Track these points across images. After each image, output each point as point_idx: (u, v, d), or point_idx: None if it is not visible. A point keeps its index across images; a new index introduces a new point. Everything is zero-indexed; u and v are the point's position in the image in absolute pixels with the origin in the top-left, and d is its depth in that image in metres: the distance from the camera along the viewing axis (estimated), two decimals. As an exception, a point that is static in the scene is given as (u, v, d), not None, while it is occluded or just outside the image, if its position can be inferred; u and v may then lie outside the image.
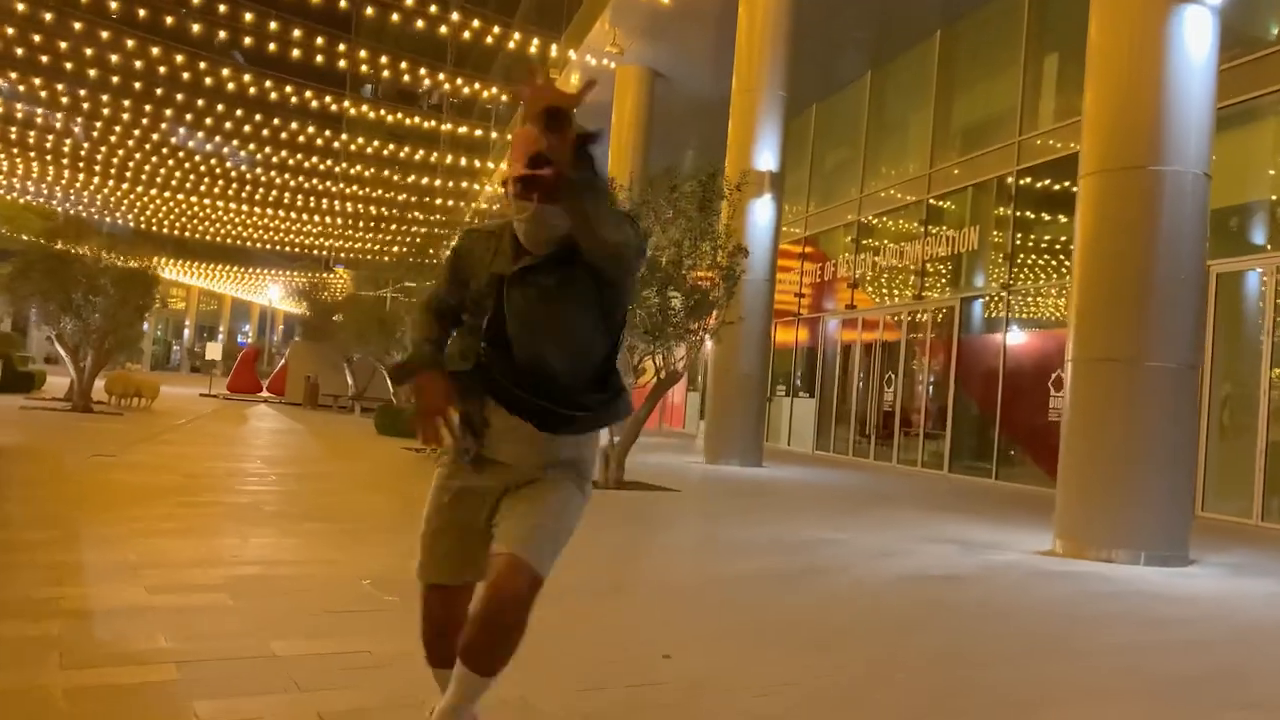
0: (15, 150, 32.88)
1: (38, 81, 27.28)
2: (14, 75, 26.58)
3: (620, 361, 9.19)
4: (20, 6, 21.59)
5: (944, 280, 17.33)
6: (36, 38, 24.10)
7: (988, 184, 16.32)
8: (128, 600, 4.16)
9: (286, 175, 35.34)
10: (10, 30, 23.84)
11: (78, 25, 23.31)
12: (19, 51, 24.74)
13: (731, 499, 10.73)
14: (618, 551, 6.62)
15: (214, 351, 39.37)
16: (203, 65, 25.53)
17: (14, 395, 19.22)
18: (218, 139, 33.25)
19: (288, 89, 26.99)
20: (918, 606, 5.39)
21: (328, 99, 27.60)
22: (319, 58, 23.84)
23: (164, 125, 31.95)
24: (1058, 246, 14.92)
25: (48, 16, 22.90)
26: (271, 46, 22.97)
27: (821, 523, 8.88)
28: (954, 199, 17.41)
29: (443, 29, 22.80)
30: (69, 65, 26.12)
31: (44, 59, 25.52)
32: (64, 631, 3.59)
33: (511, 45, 22.23)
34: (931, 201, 17.74)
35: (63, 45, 24.32)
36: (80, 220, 20.57)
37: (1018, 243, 15.46)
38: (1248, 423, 11.22)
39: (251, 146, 32.79)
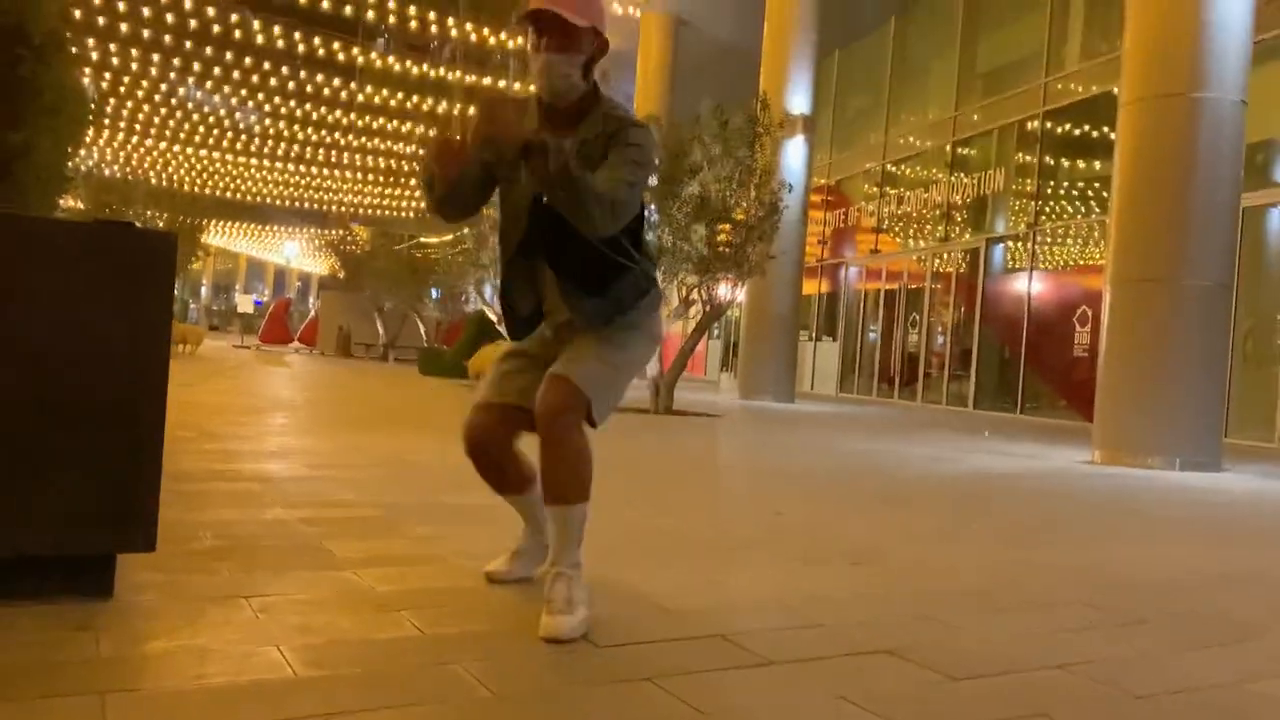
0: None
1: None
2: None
3: (669, 291, 9.41)
4: None
5: (968, 223, 17.72)
6: None
7: (1011, 127, 16.64)
8: (297, 473, 4.68)
9: (297, 127, 35.26)
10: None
11: None
12: None
13: (776, 423, 11.25)
14: (702, 450, 7.14)
15: (245, 304, 40.22)
16: (210, 12, 25.61)
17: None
18: (227, 90, 33.14)
19: (296, 35, 26.84)
20: (979, 488, 5.91)
21: (336, 46, 27.43)
22: (328, 3, 23.89)
23: (172, 76, 31.90)
24: (1082, 186, 15.30)
25: None
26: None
27: (869, 438, 9.41)
28: (978, 143, 17.74)
29: None
30: (75, 12, 26.23)
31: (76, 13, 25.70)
32: (263, 489, 4.11)
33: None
34: (955, 145, 18.07)
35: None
36: (127, 180, 20.81)
37: (1042, 185, 15.83)
38: (1270, 353, 11.72)
39: (260, 97, 32.67)
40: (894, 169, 20.28)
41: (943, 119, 18.54)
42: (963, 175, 17.83)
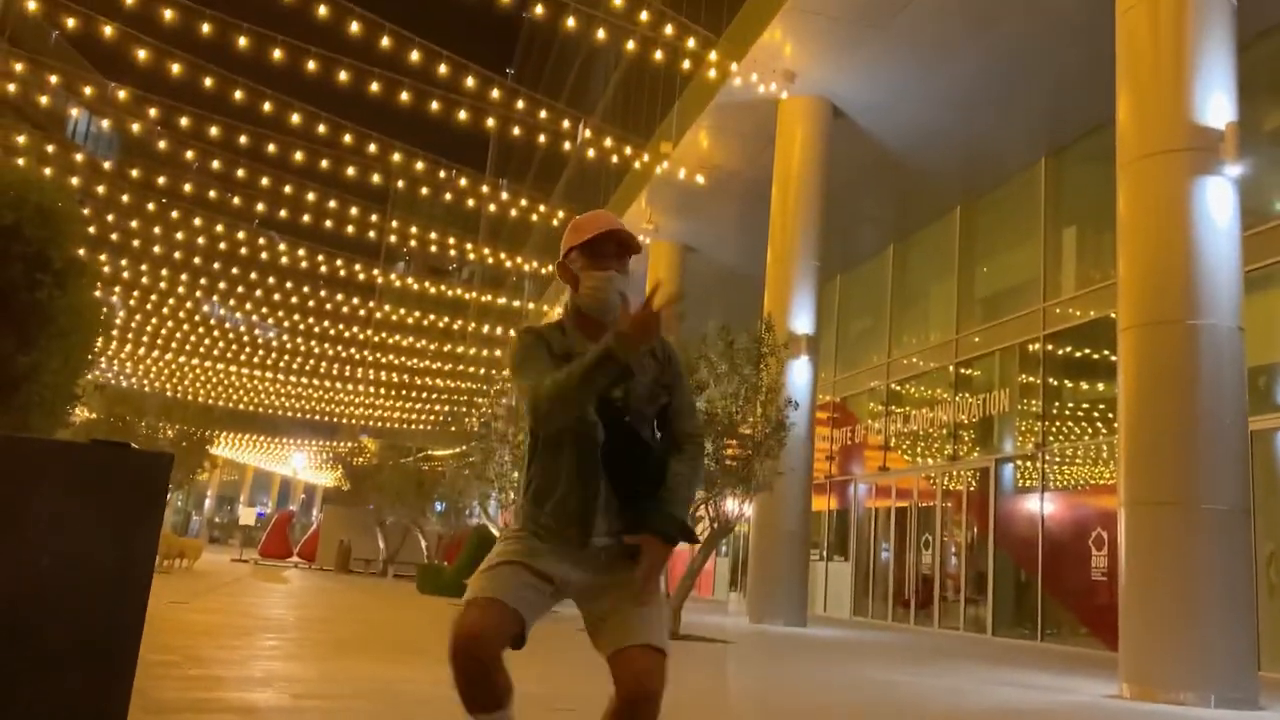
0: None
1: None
2: None
3: None
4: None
5: (976, 442, 17.73)
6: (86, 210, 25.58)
7: (1013, 349, 16.96)
8: (279, 703, 4.43)
9: (313, 342, 36.32)
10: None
11: (125, 198, 24.84)
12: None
13: (788, 650, 10.80)
14: (710, 686, 6.79)
15: (248, 516, 39.80)
16: (241, 234, 26.86)
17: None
18: (249, 307, 34.35)
19: (319, 257, 28.05)
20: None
21: (357, 267, 28.54)
22: (354, 229, 24.76)
23: (198, 295, 33.20)
24: (1088, 407, 15.40)
25: (124, 198, 24.42)
26: (306, 218, 23.91)
27: (888, 668, 8.99)
28: (981, 364, 18.04)
29: (492, 207, 24.05)
30: (113, 237, 27.49)
31: (113, 236, 27.00)
32: (243, 721, 3.88)
33: (554, 223, 23.51)
34: (959, 366, 18.37)
35: (133, 224, 25.79)
36: (142, 392, 21.42)
37: (1047, 406, 15.94)
38: (1295, 578, 11.36)
39: (280, 314, 33.75)
40: (898, 388, 20.54)
41: (945, 340, 18.95)
42: (968, 395, 18.01)
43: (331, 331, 34.44)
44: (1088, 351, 15.61)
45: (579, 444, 2.47)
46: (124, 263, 28.80)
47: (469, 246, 26.74)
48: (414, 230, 25.78)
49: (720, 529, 11.43)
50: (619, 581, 2.44)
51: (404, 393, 40.17)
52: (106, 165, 29.44)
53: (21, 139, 22.61)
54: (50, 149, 23.77)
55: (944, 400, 18.68)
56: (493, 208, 24.21)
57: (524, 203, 22.42)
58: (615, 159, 20.25)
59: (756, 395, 11.00)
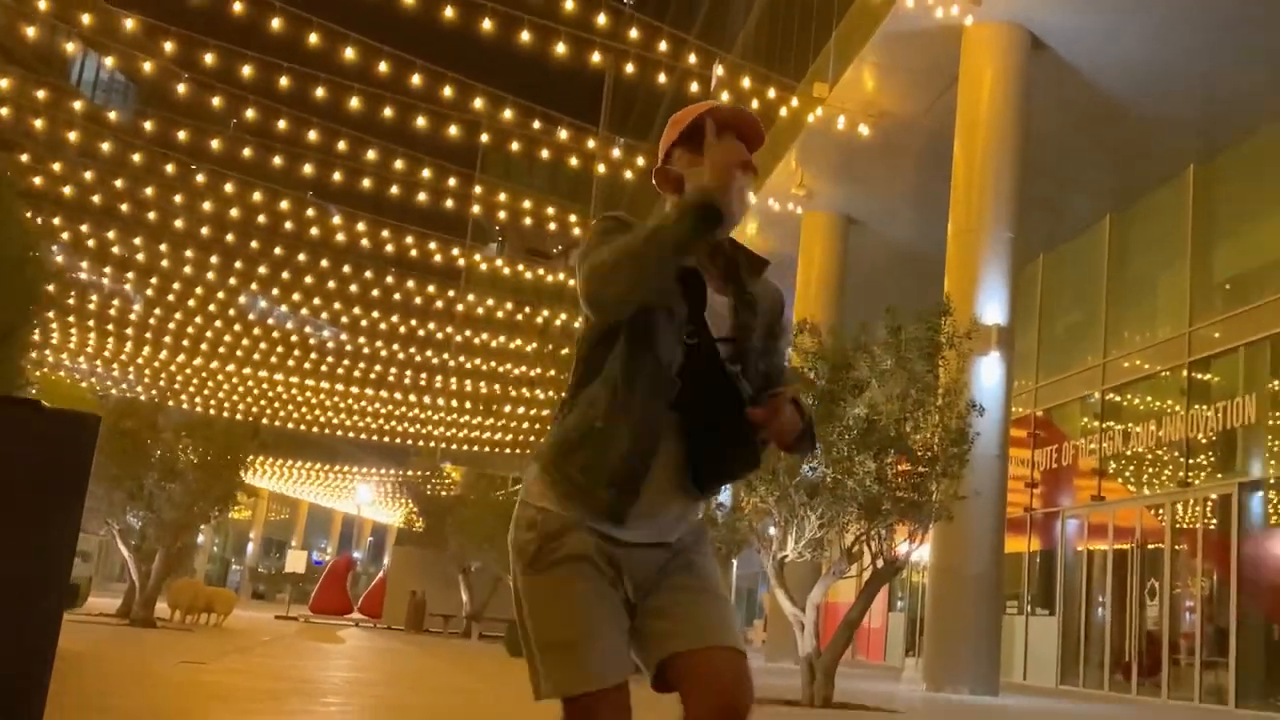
0: (70, 319, 33.08)
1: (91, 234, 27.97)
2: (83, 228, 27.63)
3: (828, 539, 9.36)
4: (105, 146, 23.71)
5: (1215, 465, 17.57)
6: (118, 183, 25.74)
7: (1262, 345, 16.72)
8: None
9: (379, 343, 35.55)
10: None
11: (137, 157, 24.51)
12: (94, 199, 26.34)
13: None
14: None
15: (296, 562, 40.53)
16: (284, 204, 25.89)
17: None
18: (297, 298, 33.66)
19: (384, 233, 27.14)
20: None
21: (432, 246, 27.69)
22: (430, 198, 24.04)
23: (231, 282, 32.24)
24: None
25: (136, 158, 24.49)
26: (367, 183, 23.29)
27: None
28: (1222, 364, 17.83)
29: (601, 168, 24.13)
30: (151, 215, 27.16)
31: (123, 207, 27.04)
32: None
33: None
34: (1193, 369, 18.19)
35: (148, 191, 25.73)
36: (157, 404, 21.52)
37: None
38: None
39: (336, 306, 33.14)
40: (1116, 397, 20.45)
41: (1176, 335, 18.79)
42: (1204, 405, 17.85)
43: (403, 330, 33.72)
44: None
45: (646, 369, 2.38)
46: (137, 241, 28.37)
47: (573, 219, 26.79)
48: (504, 198, 25.63)
49: (885, 569, 11.54)
50: (680, 565, 2.46)
51: (495, 407, 39.47)
52: (112, 116, 29.35)
53: (3, 82, 22.21)
54: (41, 95, 23.67)
55: (1174, 412, 18.56)
56: (602, 169, 24.20)
57: (641, 161, 22.14)
58: (756, 104, 19.40)
59: (931, 397, 11.17)
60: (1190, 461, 18.05)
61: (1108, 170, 20.05)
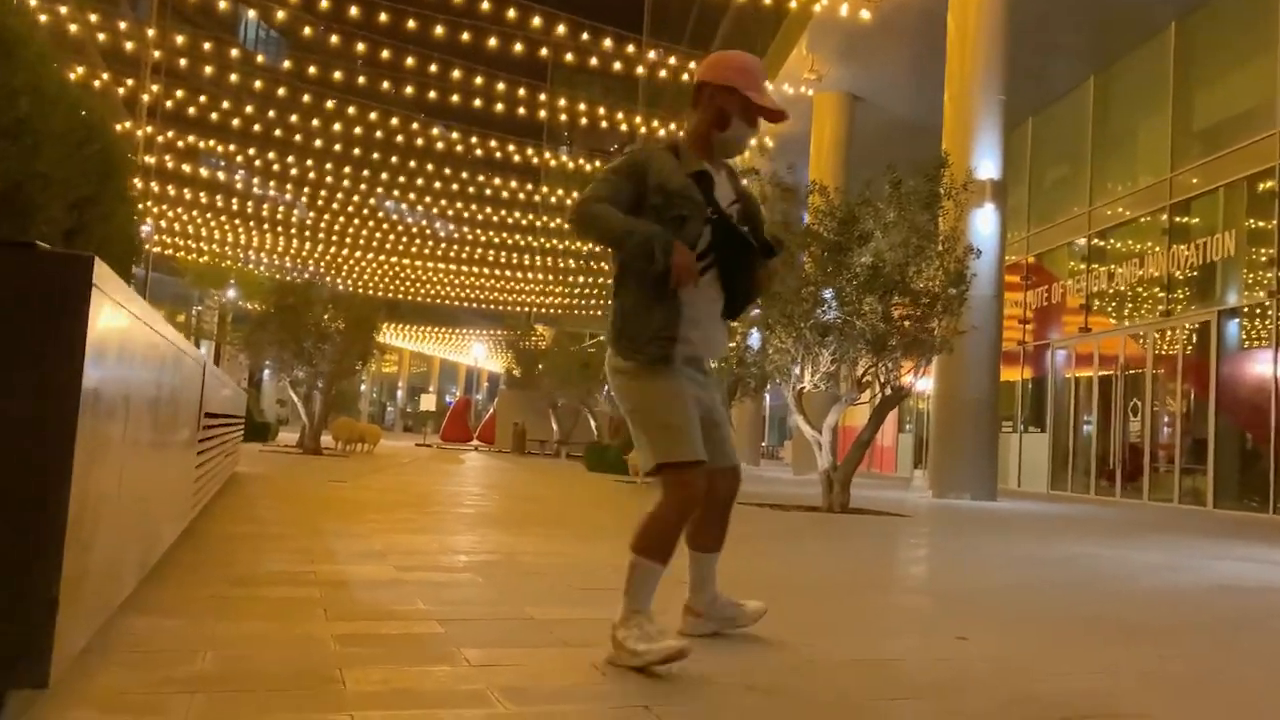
0: (252, 224, 35.82)
1: (258, 154, 29.28)
2: (250, 152, 28.84)
3: (842, 374, 8.65)
4: (258, 84, 23.74)
5: (1194, 297, 15.87)
6: (271, 113, 26.25)
7: (1239, 185, 14.88)
8: (379, 576, 4.12)
9: (478, 231, 36.60)
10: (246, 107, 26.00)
11: (306, 97, 25.28)
12: (256, 127, 26.98)
13: (972, 524, 9.97)
14: (877, 557, 6.16)
15: (428, 403, 41.83)
16: (394, 121, 26.72)
17: (252, 444, 20.68)
18: (413, 198, 34.77)
19: (473, 139, 27.71)
20: (1226, 611, 4.65)
21: (511, 147, 28.08)
22: (507, 107, 24.13)
23: (377, 189, 33.81)
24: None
25: (280, 91, 24.85)
26: (455, 98, 23.62)
27: (1087, 542, 8.07)
28: (1201, 206, 15.99)
29: (639, 69, 23.03)
30: (297, 137, 28.14)
31: (277, 132, 27.81)
32: (324, 595, 3.55)
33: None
34: (1173, 212, 16.36)
35: (293, 118, 26.37)
36: (310, 283, 22.03)
37: (1283, 246, 13.96)
38: None
39: (444, 203, 34.03)
40: (1101, 241, 18.61)
41: (1157, 181, 16.88)
42: (1183, 245, 16.05)
43: (495, 219, 34.64)
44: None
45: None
46: (290, 159, 29.69)
47: (619, 117, 25.90)
48: (564, 103, 25.10)
49: (893, 395, 10.54)
50: (708, 400, 2.93)
51: (571, 279, 40.35)
52: (260, 59, 30.19)
53: (180, 38, 22.89)
54: (207, 46, 24.08)
55: (1155, 252, 16.77)
56: (640, 70, 23.12)
57: (673, 61, 21.15)
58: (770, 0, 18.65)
59: (931, 244, 9.93)
60: (1171, 296, 16.32)
61: (1090, 32, 17.63)
